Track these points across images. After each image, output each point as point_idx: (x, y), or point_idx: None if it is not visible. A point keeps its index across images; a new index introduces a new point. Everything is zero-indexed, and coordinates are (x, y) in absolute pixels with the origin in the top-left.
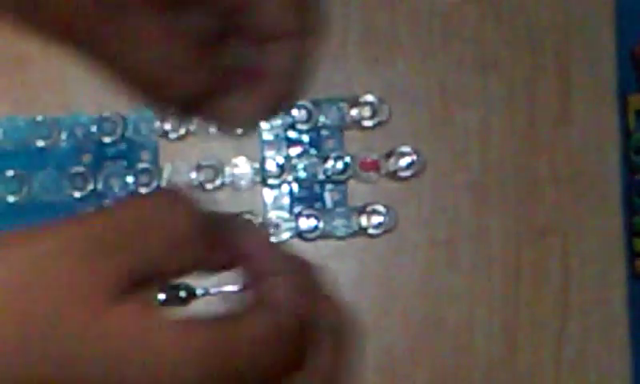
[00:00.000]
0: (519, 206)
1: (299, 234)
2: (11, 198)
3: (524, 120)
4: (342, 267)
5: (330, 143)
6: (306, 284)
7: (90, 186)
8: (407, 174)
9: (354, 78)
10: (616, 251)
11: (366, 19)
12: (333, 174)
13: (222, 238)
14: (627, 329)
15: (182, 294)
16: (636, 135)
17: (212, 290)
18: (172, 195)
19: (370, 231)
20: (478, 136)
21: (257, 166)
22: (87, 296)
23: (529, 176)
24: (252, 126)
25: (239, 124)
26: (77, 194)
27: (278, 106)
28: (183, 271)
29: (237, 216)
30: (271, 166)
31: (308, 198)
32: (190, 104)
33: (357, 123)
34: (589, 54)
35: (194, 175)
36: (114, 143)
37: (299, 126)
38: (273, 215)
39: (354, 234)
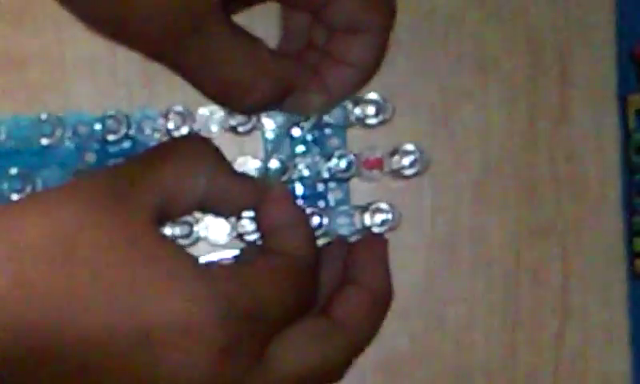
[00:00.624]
0: (519, 205)
1: None
2: (15, 196)
3: (524, 120)
4: None
5: (334, 142)
6: (313, 233)
7: None
8: (411, 172)
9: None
10: (616, 251)
11: None
12: (336, 172)
13: (241, 183)
14: (627, 329)
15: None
16: (636, 135)
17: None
18: (198, 136)
19: (374, 229)
20: (478, 136)
21: (260, 164)
22: (123, 229)
23: (529, 176)
24: (324, 112)
25: (312, 111)
26: None
27: (350, 94)
28: (203, 205)
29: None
30: (275, 165)
31: (311, 196)
32: (269, 102)
33: (360, 121)
34: (589, 54)
35: None
36: (117, 141)
37: (302, 124)
38: None
39: (357, 233)
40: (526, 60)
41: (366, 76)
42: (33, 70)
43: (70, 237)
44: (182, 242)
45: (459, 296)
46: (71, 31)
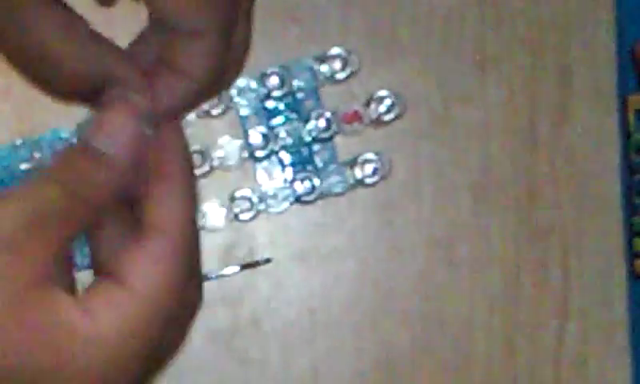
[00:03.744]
0: (519, 206)
1: (298, 199)
2: None
3: (524, 120)
4: (341, 267)
5: (309, 104)
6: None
7: None
8: (390, 117)
9: (353, 77)
10: (616, 251)
11: (366, 19)
12: (318, 133)
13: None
14: (627, 329)
15: None
16: (636, 135)
17: (211, 275)
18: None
19: (367, 181)
20: (478, 136)
21: (242, 142)
22: (17, 291)
23: (529, 176)
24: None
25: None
26: None
27: (182, 106)
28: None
29: None
30: (256, 139)
31: (298, 162)
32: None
33: (330, 79)
34: (589, 54)
35: None
36: None
37: (274, 94)
38: (268, 187)
39: (351, 188)
40: (526, 60)
41: (199, 88)
42: None
43: None
44: None
45: (459, 296)
46: None
